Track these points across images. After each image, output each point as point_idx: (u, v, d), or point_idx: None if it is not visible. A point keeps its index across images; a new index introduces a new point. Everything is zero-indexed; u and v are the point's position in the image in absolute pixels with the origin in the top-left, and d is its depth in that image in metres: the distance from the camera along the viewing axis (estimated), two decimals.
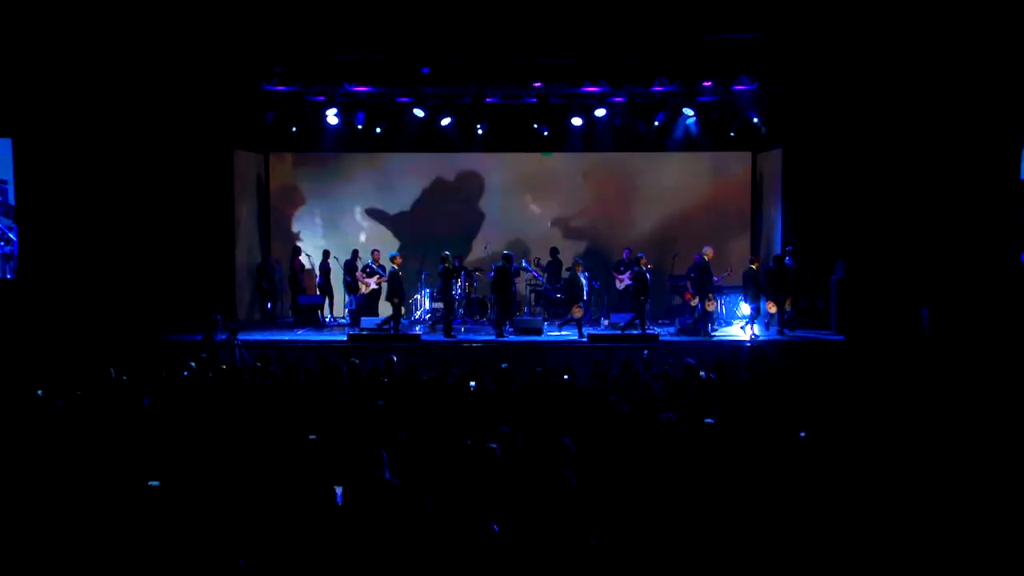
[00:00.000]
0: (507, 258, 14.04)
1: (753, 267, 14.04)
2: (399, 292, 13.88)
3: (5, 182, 13.92)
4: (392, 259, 14.00)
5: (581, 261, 14.31)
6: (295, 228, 17.11)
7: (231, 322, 13.96)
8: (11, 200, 14.00)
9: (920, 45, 13.13)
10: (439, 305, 15.74)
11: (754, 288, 13.85)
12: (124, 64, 13.47)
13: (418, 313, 15.99)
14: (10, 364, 10.73)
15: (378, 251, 15.58)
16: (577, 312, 13.77)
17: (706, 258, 13.90)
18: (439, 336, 13.94)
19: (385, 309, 14.83)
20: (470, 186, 17.33)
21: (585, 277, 14.18)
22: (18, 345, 12.29)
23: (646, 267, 13.94)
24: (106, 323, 13.15)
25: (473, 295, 15.85)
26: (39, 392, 8.25)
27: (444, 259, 13.97)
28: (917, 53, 13.23)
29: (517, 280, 15.24)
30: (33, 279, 13.86)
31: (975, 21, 12.68)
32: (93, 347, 11.87)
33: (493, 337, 13.64)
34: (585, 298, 14.17)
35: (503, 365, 9.97)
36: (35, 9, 12.62)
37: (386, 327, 13.79)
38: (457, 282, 15.67)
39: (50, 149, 13.92)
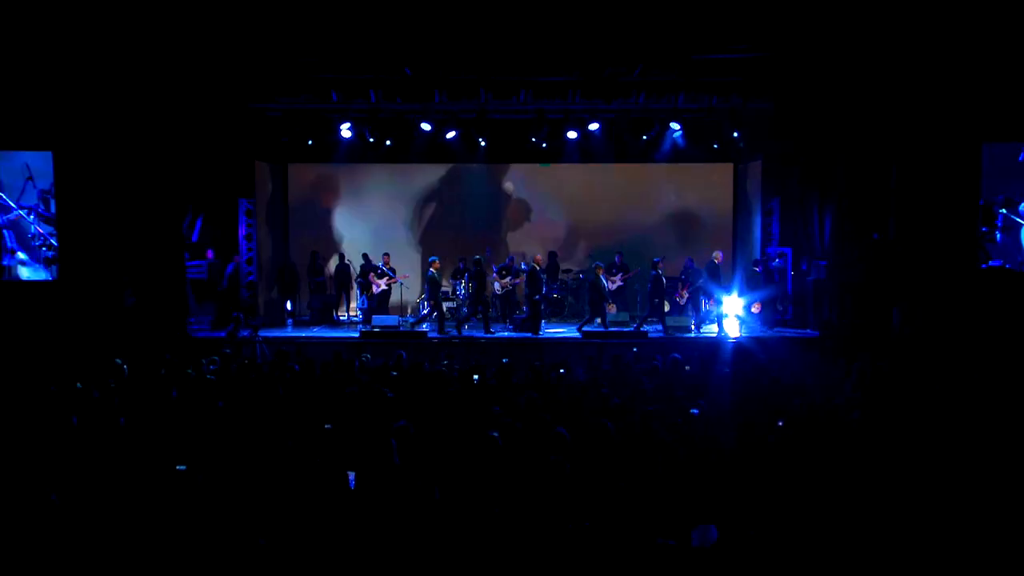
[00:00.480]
0: (537, 261, 14.09)
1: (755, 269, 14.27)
2: (436, 293, 13.94)
3: (48, 192, 13.96)
4: (431, 263, 14.08)
5: (601, 264, 14.41)
6: (311, 233, 17.11)
7: (252, 320, 14.01)
8: (52, 209, 14.03)
9: (888, 68, 13.13)
10: (446, 303, 15.77)
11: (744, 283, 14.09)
12: (155, 83, 13.47)
13: (424, 310, 15.99)
14: (52, 356, 10.75)
15: (388, 255, 15.59)
16: (610, 309, 14.05)
17: (716, 261, 14.09)
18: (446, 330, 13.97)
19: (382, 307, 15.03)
20: (473, 195, 17.33)
21: (604, 279, 14.30)
22: (59, 339, 12.31)
23: (662, 271, 14.04)
24: (139, 320, 13.17)
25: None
26: (78, 384, 8.27)
27: (477, 263, 14.07)
28: (885, 75, 13.23)
29: (517, 281, 15.27)
30: (73, 280, 13.89)
31: (936, 52, 12.75)
32: (126, 342, 11.89)
33: (515, 334, 13.72)
34: (609, 299, 14.34)
35: (504, 360, 9.97)
36: (72, 35, 12.63)
37: (427, 326, 13.93)
38: (461, 283, 15.70)
39: (87, 161, 13.92)
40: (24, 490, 4.89)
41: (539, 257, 14.50)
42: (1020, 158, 13.54)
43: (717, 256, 14.21)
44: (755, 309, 14.24)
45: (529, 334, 13.76)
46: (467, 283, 15.51)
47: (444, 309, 14.54)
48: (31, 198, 13.90)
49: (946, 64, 12.95)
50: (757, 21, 12.61)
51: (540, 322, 13.89)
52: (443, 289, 16.16)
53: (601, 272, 14.16)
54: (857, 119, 13.74)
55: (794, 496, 5.04)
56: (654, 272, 14.00)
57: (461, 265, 15.94)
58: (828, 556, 4.21)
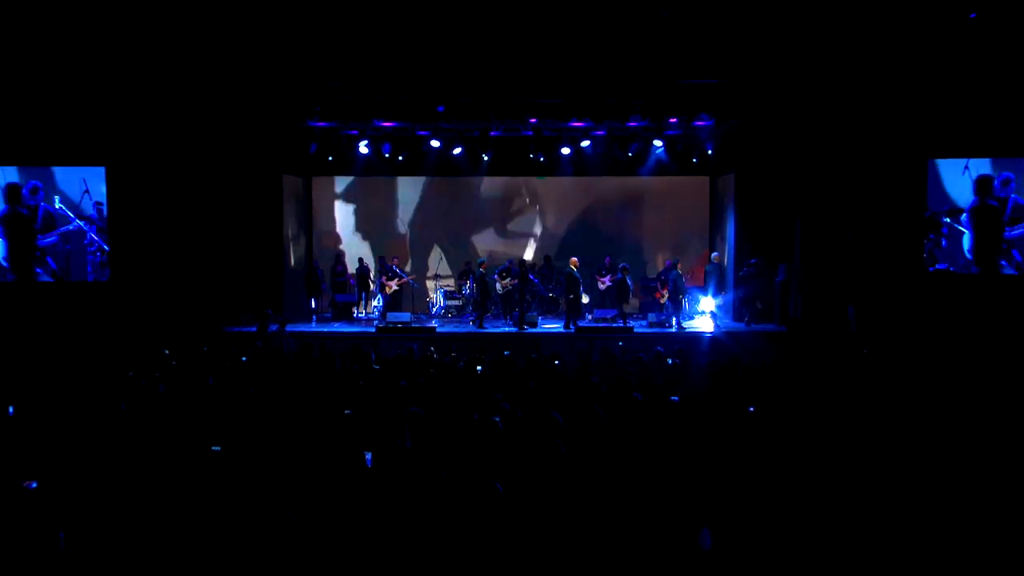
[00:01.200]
0: (575, 264, 14.08)
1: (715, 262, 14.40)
2: (486, 292, 13.98)
3: (101, 203, 14.01)
4: (480, 264, 14.19)
5: (627, 265, 14.44)
6: (333, 239, 17.09)
7: (280, 317, 13.99)
8: (104, 216, 14.13)
9: (844, 94, 13.31)
10: (452, 302, 15.78)
11: (715, 285, 14.12)
12: (196, 106, 13.57)
13: (434, 308, 15.99)
14: (105, 349, 10.77)
15: (397, 258, 15.60)
16: (627, 307, 14.06)
17: (715, 262, 14.35)
18: (452, 328, 13.94)
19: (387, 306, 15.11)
20: (477, 204, 17.31)
21: (630, 279, 14.32)
22: (111, 333, 12.36)
23: (680, 270, 14.11)
24: (180, 317, 13.20)
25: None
26: (130, 373, 8.28)
27: (520, 264, 14.09)
28: (842, 100, 13.40)
29: (516, 282, 15.26)
30: (123, 282, 13.96)
31: (887, 80, 12.98)
32: (169, 336, 11.91)
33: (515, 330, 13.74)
34: (631, 298, 14.43)
35: (505, 352, 9.96)
36: (123, 65, 12.86)
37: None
38: (466, 283, 15.68)
39: (136, 175, 14.06)
40: (80, 468, 4.90)
41: (575, 261, 14.34)
42: (963, 172, 13.56)
43: (716, 257, 14.43)
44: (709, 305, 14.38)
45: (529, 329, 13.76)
46: (472, 284, 15.52)
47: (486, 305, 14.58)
48: (88, 209, 13.94)
49: (896, 90, 13.12)
50: (726, 55, 12.85)
51: (573, 320, 13.76)
52: (451, 289, 16.19)
53: (627, 273, 14.16)
54: (818, 138, 13.82)
55: (765, 470, 5.03)
56: (620, 275, 14.13)
57: (466, 267, 15.95)
58: (794, 526, 4.21)
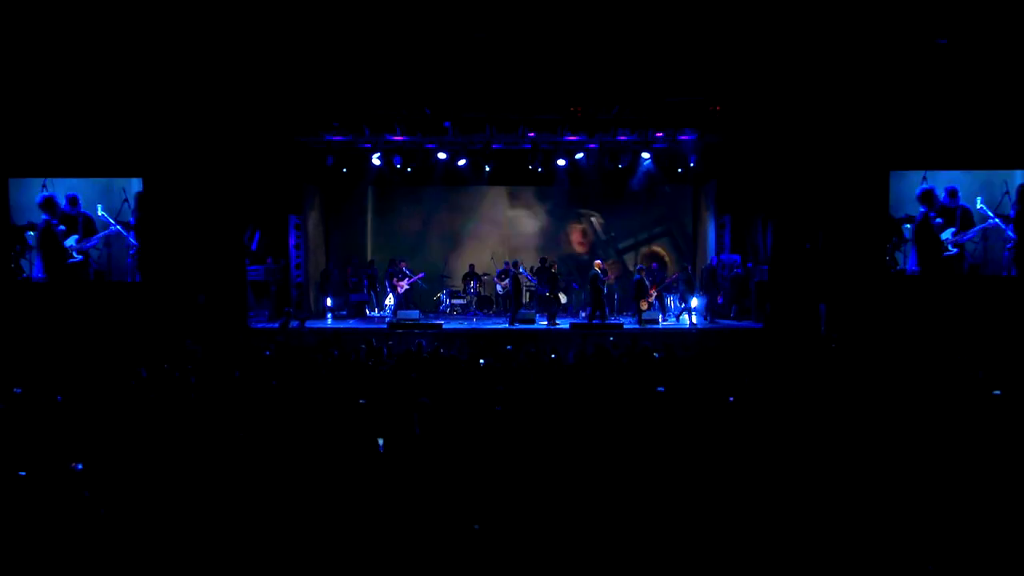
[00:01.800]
0: (599, 267, 13.97)
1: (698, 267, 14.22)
2: (520, 291, 13.93)
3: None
4: (515, 264, 14.07)
5: (643, 267, 14.43)
6: (347, 242, 17.08)
7: (300, 314, 13.99)
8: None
9: (816, 110, 13.42)
10: (457, 301, 15.79)
11: (699, 284, 14.09)
12: (223, 121, 13.64)
13: (439, 306, 16.01)
14: (142, 343, 10.79)
15: (405, 261, 15.60)
16: (644, 306, 13.98)
17: (640, 274, 14.03)
18: (457, 324, 13.93)
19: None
20: (480, 210, 17.30)
21: (648, 279, 14.29)
22: (148, 329, 12.43)
23: (668, 272, 14.06)
24: (208, 314, 13.20)
25: (483, 293, 15.86)
26: (165, 365, 8.28)
27: (552, 265, 14.04)
28: (814, 115, 13.50)
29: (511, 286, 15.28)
30: (153, 281, 14.00)
31: (853, 99, 13.16)
32: (199, 332, 11.95)
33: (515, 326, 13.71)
34: (650, 296, 14.35)
35: (508, 347, 9.95)
36: (160, 86, 13.10)
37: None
38: (470, 283, 15.67)
39: (169, 184, 14.09)
40: (121, 451, 4.91)
41: (600, 263, 14.25)
42: (921, 182, 13.63)
43: (641, 270, 14.27)
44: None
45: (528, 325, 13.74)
46: (474, 284, 15.53)
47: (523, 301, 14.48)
48: (127, 215, 14.01)
49: (862, 109, 13.24)
50: (708, 76, 12.88)
51: (595, 318, 13.59)
52: (456, 289, 16.18)
53: (644, 274, 14.08)
54: (791, 151, 13.87)
55: (743, 458, 5.04)
56: (637, 276, 14.04)
57: (471, 269, 15.97)
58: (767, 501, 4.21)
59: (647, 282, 14.16)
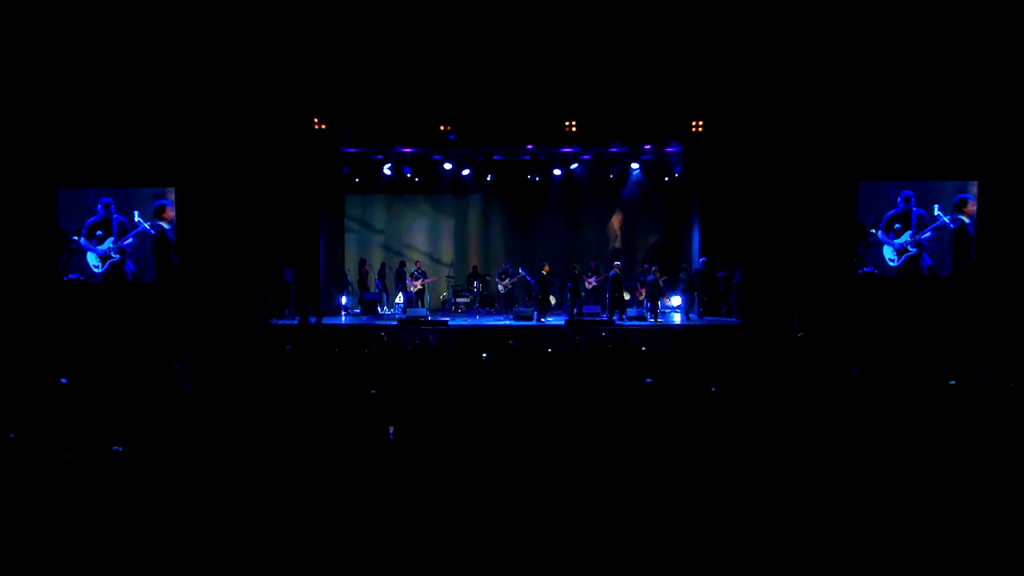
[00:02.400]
0: (618, 268, 13.85)
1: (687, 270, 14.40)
2: (546, 290, 13.90)
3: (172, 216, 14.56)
4: (543, 267, 13.94)
5: (657, 268, 14.46)
6: (361, 245, 17.08)
7: (318, 311, 13.99)
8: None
9: (791, 125, 13.74)
10: (462, 300, 15.79)
11: (683, 285, 14.14)
12: (249, 136, 13.89)
13: (445, 304, 16.02)
14: (172, 338, 10.86)
15: (420, 262, 15.59)
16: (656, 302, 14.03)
17: (616, 271, 13.82)
18: (462, 321, 13.94)
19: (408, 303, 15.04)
20: (482, 215, 17.30)
21: (662, 281, 14.27)
22: (179, 325, 12.61)
23: (656, 274, 14.03)
24: (234, 312, 13.31)
25: (485, 292, 15.87)
26: (195, 359, 8.30)
27: (574, 268, 14.09)
28: (789, 130, 13.79)
29: (512, 285, 15.27)
30: (187, 283, 14.25)
31: (825, 116, 13.62)
32: (226, 328, 12.09)
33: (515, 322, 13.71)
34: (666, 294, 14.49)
35: (510, 342, 9.95)
36: (192, 103, 13.61)
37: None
38: (473, 283, 15.69)
39: (199, 194, 14.34)
40: (157, 434, 4.92)
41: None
42: (884, 191, 14.11)
43: (617, 266, 14.03)
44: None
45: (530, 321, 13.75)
46: (477, 284, 15.57)
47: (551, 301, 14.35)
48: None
49: (832, 126, 13.67)
50: (692, 94, 13.40)
51: (614, 314, 13.55)
52: (460, 288, 16.18)
53: (659, 275, 14.02)
54: (767, 163, 14.04)
55: (723, 445, 5.05)
56: (613, 272, 13.98)
57: (474, 270, 15.99)
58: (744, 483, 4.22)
59: (662, 284, 14.14)
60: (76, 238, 14.40)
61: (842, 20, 12.73)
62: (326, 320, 13.64)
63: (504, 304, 15.38)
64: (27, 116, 13.70)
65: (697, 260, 15.28)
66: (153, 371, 7.62)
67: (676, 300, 14.22)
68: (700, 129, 13.70)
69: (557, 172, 15.34)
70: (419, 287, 15.19)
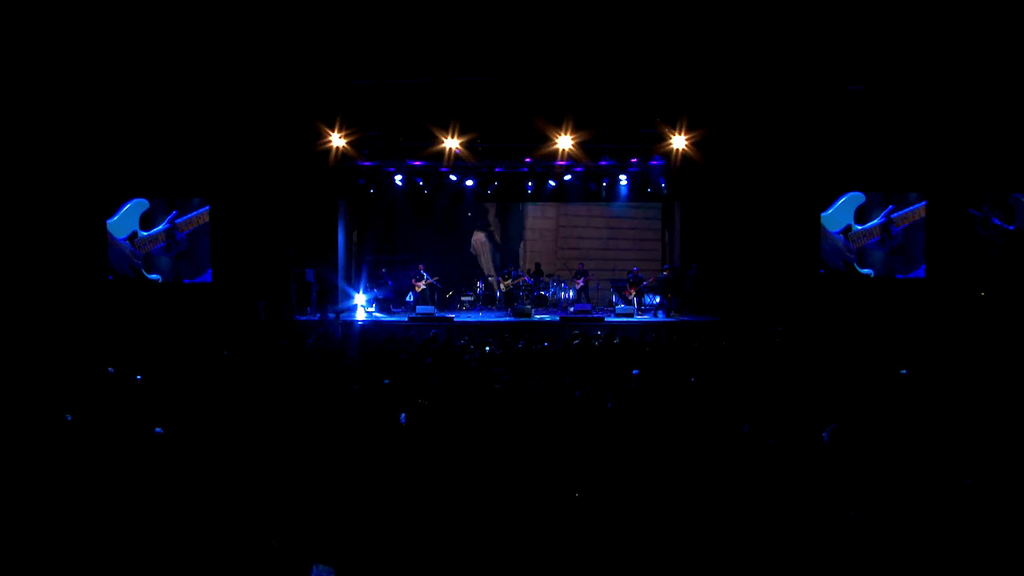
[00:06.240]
0: (635, 271, 14.13)
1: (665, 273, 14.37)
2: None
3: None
4: (575, 271, 14.09)
5: (667, 267, 14.57)
6: (375, 248, 17.10)
7: (336, 308, 14.06)
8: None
9: (761, 141, 14.10)
10: (465, 299, 15.82)
11: (665, 287, 14.20)
12: (272, 151, 14.06)
13: (451, 302, 16.04)
14: (209, 331, 11.00)
15: (422, 264, 15.62)
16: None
17: (667, 274, 14.33)
18: (466, 317, 13.98)
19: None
20: (485, 222, 17.33)
21: (646, 283, 14.46)
22: (216, 319, 12.85)
23: (642, 275, 14.26)
24: (263, 309, 13.40)
25: (487, 292, 15.91)
26: (224, 352, 8.35)
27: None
28: (760, 145, 14.12)
29: (512, 284, 15.31)
30: (222, 283, 14.54)
31: (791, 134, 14.15)
32: (256, 323, 12.25)
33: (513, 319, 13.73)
34: (629, 294, 14.55)
35: (505, 334, 9.96)
36: (224, 122, 13.97)
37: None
38: (477, 283, 15.72)
39: (229, 204, 14.58)
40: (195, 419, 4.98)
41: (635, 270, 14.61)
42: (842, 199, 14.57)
43: (667, 267, 14.52)
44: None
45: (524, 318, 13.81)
46: (478, 284, 15.62)
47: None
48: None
49: (798, 142, 14.15)
50: (674, 113, 13.46)
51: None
52: (465, 288, 16.21)
53: (668, 274, 14.32)
54: (742, 174, 14.23)
55: (702, 430, 5.09)
56: (663, 275, 14.36)
57: (477, 271, 16.01)
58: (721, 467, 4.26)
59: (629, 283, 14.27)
60: (124, 241, 14.62)
61: (809, 49, 12.86)
62: (344, 317, 13.69)
63: (504, 302, 15.43)
64: (85, 139, 14.23)
65: (676, 262, 15.36)
66: (193, 362, 7.67)
67: (659, 300, 14.29)
68: (684, 147, 13.75)
69: (552, 183, 15.44)
70: (423, 287, 15.24)
